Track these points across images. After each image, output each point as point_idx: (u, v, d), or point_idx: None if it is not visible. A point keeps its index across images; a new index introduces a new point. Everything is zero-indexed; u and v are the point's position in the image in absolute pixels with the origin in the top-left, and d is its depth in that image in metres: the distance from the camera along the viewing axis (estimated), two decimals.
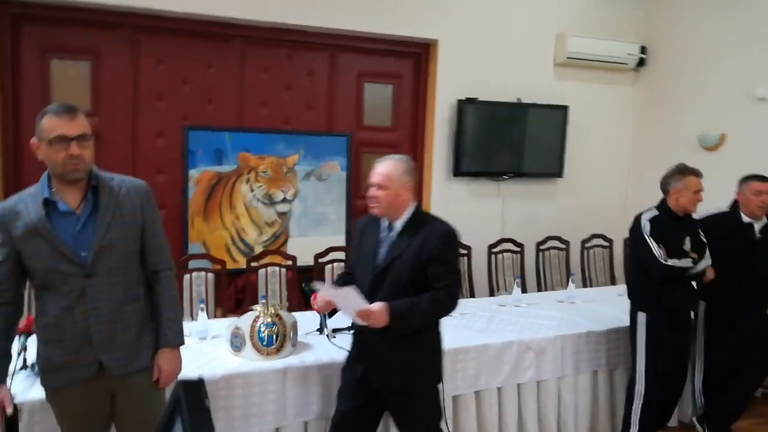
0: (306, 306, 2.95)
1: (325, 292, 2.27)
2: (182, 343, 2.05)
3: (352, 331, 2.44)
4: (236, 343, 2.55)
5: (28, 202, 1.83)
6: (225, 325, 2.72)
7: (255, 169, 4.26)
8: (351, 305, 2.17)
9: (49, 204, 1.82)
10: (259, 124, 4.29)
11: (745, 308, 3.12)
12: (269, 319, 2.54)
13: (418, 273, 2.20)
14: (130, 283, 1.93)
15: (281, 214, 4.37)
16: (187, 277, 3.48)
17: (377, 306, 2.12)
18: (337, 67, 4.49)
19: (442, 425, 2.40)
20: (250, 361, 2.50)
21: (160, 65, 4.04)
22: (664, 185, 2.98)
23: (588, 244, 4.74)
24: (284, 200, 4.37)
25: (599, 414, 3.25)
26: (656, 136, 5.05)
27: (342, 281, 2.42)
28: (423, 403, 2.32)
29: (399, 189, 2.23)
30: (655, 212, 2.98)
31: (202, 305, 2.86)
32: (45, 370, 1.90)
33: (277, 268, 3.80)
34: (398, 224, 2.28)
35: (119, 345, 1.90)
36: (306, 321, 2.89)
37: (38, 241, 1.80)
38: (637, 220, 3.00)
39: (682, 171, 2.95)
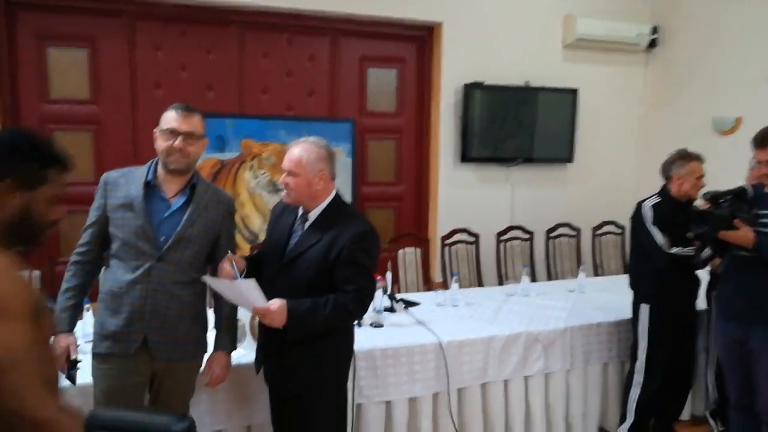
0: None
1: (216, 285, 2.01)
2: (235, 348, 2.21)
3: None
4: (237, 336, 2.48)
5: (131, 178, 2.01)
6: None
7: (258, 156, 4.19)
8: (248, 299, 1.94)
9: (149, 187, 2.00)
10: (261, 110, 4.20)
11: None
12: None
13: (323, 272, 1.98)
14: (191, 280, 2.04)
15: None
16: None
17: (275, 304, 1.89)
18: (339, 51, 4.38)
19: None
20: (250, 353, 2.43)
21: (159, 52, 3.95)
22: (666, 171, 2.88)
23: (599, 231, 4.63)
24: None
25: (609, 407, 3.18)
26: (669, 119, 4.90)
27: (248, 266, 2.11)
28: (320, 412, 2.09)
29: (311, 177, 2.00)
30: (657, 199, 2.89)
31: None
32: (97, 333, 2.00)
33: None
34: (312, 216, 2.06)
35: (167, 331, 1.99)
36: None
37: (129, 215, 1.96)
38: (639, 207, 2.91)
39: (685, 156, 2.85)
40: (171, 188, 2.02)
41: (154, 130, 2.00)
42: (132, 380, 1.98)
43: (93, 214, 2.03)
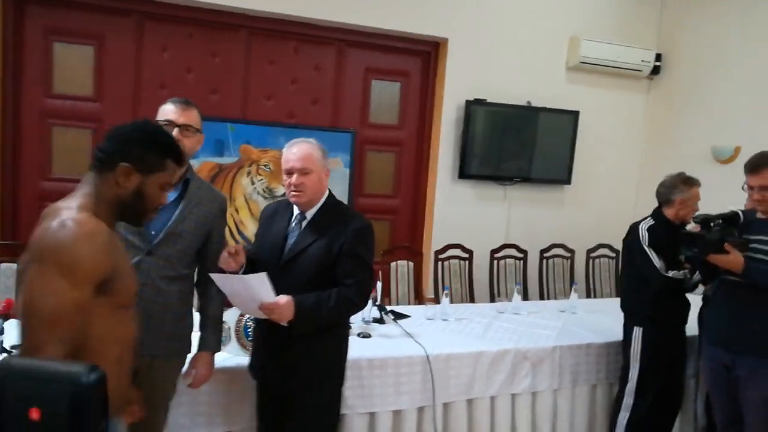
0: None
1: (223, 281, 2.00)
2: (219, 350, 2.19)
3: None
4: (222, 337, 2.47)
5: None
6: None
7: (257, 162, 4.20)
8: (256, 295, 1.95)
9: None
10: (263, 116, 4.22)
11: None
12: None
13: (326, 268, 2.03)
14: (179, 276, 2.01)
15: None
16: None
17: (283, 299, 1.93)
18: (345, 62, 4.41)
19: None
20: (234, 357, 2.42)
21: (165, 53, 3.98)
22: (667, 195, 2.88)
23: (594, 254, 4.63)
24: (284, 195, 4.29)
25: (596, 429, 3.15)
26: (669, 146, 4.92)
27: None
28: (317, 408, 2.11)
29: (321, 174, 2.06)
30: (652, 222, 2.89)
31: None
32: None
33: None
34: (309, 214, 2.09)
35: (153, 326, 1.93)
36: None
37: None
38: (635, 229, 2.91)
39: (687, 181, 2.86)
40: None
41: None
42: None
43: None
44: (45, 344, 1.21)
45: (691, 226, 2.63)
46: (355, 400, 2.57)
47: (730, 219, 2.56)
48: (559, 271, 4.55)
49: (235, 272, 2.03)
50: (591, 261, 4.60)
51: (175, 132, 1.94)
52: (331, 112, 4.42)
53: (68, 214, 1.31)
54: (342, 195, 4.42)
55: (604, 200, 5.04)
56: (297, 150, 2.05)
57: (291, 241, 2.09)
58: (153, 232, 1.94)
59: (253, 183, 4.21)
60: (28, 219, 3.76)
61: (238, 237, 4.21)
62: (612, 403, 3.07)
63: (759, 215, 2.52)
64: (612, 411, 3.02)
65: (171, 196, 1.98)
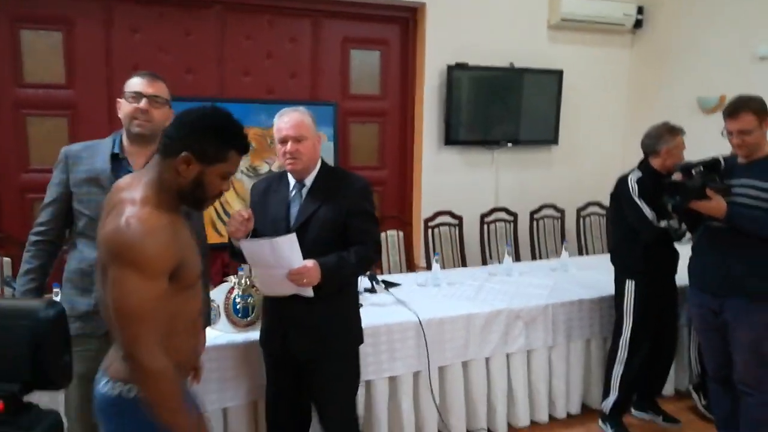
0: None
1: (251, 246, 2.00)
2: (209, 325, 2.20)
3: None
4: (211, 315, 2.45)
5: (94, 151, 1.94)
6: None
7: None
8: (284, 260, 1.95)
9: (115, 160, 1.92)
10: (241, 93, 4.14)
11: None
12: (244, 291, 2.45)
13: (336, 230, 2.08)
14: None
15: None
16: None
17: (311, 263, 1.97)
18: (321, 33, 4.32)
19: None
20: (225, 334, 2.41)
21: (136, 34, 3.88)
22: (652, 146, 2.85)
23: (584, 212, 4.62)
24: (269, 172, 4.25)
25: (592, 382, 3.17)
26: (654, 99, 4.88)
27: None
28: (343, 369, 2.18)
29: (314, 139, 2.10)
30: (639, 173, 2.86)
31: None
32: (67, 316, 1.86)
33: None
34: (308, 181, 2.12)
35: None
36: None
37: (95, 190, 1.89)
38: (624, 181, 2.88)
39: (672, 131, 2.83)
40: (138, 161, 1.92)
41: (118, 99, 1.95)
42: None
43: (53, 191, 1.95)
44: (138, 336, 1.33)
45: (675, 175, 2.61)
46: None
47: (711, 165, 2.54)
48: (550, 231, 4.55)
49: (238, 240, 2.04)
50: (581, 219, 4.59)
51: (143, 103, 1.90)
52: (310, 85, 4.34)
53: (131, 210, 1.38)
54: None
55: (591, 158, 5.02)
56: (288, 118, 2.07)
57: (295, 210, 2.12)
58: None
59: None
60: (10, 212, 3.71)
61: (225, 217, 4.17)
62: (606, 357, 3.08)
63: (740, 160, 2.51)
64: (607, 365, 3.03)
65: None
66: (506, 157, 4.78)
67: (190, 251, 1.48)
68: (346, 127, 4.47)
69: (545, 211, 4.56)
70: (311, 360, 2.13)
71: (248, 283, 2.48)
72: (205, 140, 1.42)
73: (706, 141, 2.91)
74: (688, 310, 3.22)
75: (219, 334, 2.42)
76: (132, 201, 1.40)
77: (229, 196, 4.16)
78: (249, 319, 2.43)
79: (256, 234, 2.10)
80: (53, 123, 3.77)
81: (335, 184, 2.12)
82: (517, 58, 4.64)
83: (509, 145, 4.70)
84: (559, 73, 4.75)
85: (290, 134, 2.04)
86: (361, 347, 2.55)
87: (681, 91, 4.61)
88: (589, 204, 4.64)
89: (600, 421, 3.04)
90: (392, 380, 2.70)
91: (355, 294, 2.28)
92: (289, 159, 2.06)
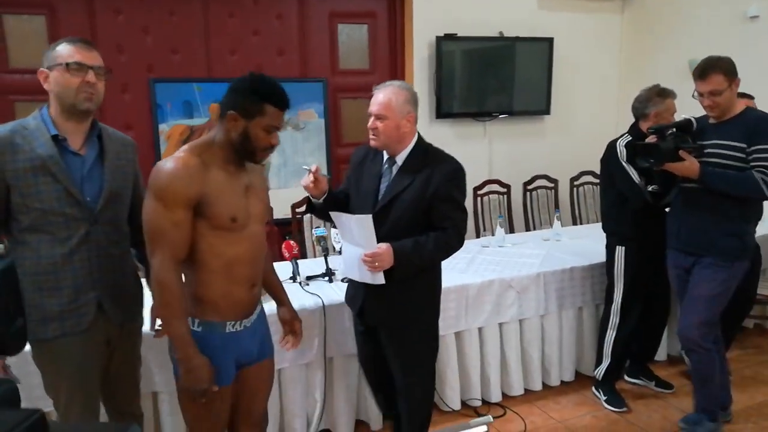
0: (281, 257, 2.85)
1: (339, 218, 2.10)
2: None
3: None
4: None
5: (28, 135, 1.70)
6: None
7: None
8: (360, 238, 2.03)
9: (56, 142, 1.72)
10: (229, 72, 4.10)
11: None
12: None
13: (421, 212, 2.07)
14: (124, 234, 1.91)
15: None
16: None
17: (383, 247, 1.99)
18: (307, 8, 4.27)
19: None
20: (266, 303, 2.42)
21: (119, 16, 3.84)
22: (643, 109, 2.83)
23: (577, 182, 4.61)
24: None
25: (584, 350, 3.20)
26: (646, 65, 4.84)
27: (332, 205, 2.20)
28: (420, 341, 2.23)
29: (400, 120, 2.06)
30: (629, 137, 2.85)
31: None
32: (35, 320, 1.73)
33: None
34: (399, 159, 2.12)
35: (120, 292, 1.88)
36: (280, 269, 2.81)
37: (44, 179, 1.70)
38: (612, 147, 2.87)
39: (662, 93, 2.81)
40: (76, 140, 1.77)
41: (40, 70, 1.74)
42: (95, 353, 1.84)
43: None
44: (153, 252, 1.63)
45: (649, 138, 2.60)
46: (343, 344, 2.59)
47: (684, 127, 2.56)
48: (543, 202, 4.54)
49: (317, 198, 2.16)
50: (575, 189, 4.59)
51: (91, 75, 1.72)
52: (298, 62, 4.31)
53: (175, 154, 1.66)
54: (319, 147, 4.37)
55: (584, 127, 4.99)
56: (378, 95, 2.09)
57: (383, 186, 2.13)
58: (89, 198, 1.77)
59: None
60: None
61: None
62: (599, 323, 3.10)
63: (711, 120, 2.52)
64: (599, 331, 3.06)
65: (91, 153, 1.80)
66: (498, 129, 4.76)
67: (220, 195, 1.66)
68: (336, 103, 4.45)
69: (538, 182, 4.56)
70: (385, 328, 2.21)
71: None
72: (244, 98, 1.64)
73: (696, 103, 2.88)
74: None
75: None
76: (181, 150, 1.69)
77: None
78: None
79: (348, 199, 2.22)
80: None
81: (425, 166, 2.08)
82: (507, 27, 4.58)
83: (501, 116, 4.67)
84: (549, 41, 4.70)
85: (373, 111, 2.08)
86: (350, 321, 2.58)
87: (673, 56, 4.56)
88: (582, 173, 4.62)
89: (593, 388, 3.08)
90: None
91: (436, 271, 2.24)
92: (371, 134, 2.11)
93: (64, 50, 1.72)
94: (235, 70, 4.12)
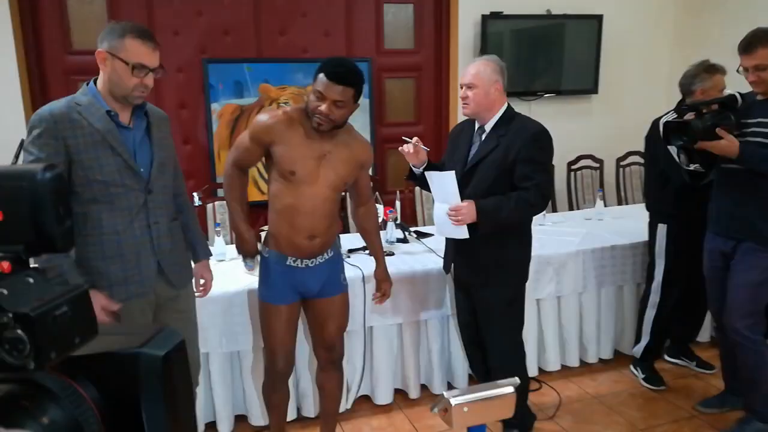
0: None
1: (431, 177, 2.30)
2: (211, 255, 2.28)
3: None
4: (249, 263, 2.60)
5: (83, 111, 1.77)
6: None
7: (276, 101, 4.25)
8: (445, 193, 2.23)
9: (109, 117, 1.81)
10: (278, 53, 4.23)
11: None
12: None
13: (504, 173, 2.21)
14: (172, 202, 2.03)
15: None
16: (210, 206, 3.56)
17: (466, 202, 2.18)
18: None
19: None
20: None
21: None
22: (689, 85, 2.78)
23: (623, 162, 4.54)
24: None
25: (625, 328, 3.20)
26: (699, 44, 4.67)
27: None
28: (505, 302, 2.36)
29: (488, 88, 2.24)
30: (674, 115, 2.80)
31: (218, 228, 2.93)
32: (101, 287, 1.83)
33: None
34: (488, 126, 2.30)
35: (176, 258, 2.01)
36: None
37: (104, 153, 1.78)
38: (656, 125, 2.83)
39: (709, 69, 2.75)
40: (125, 115, 1.86)
41: (100, 50, 1.78)
42: (146, 321, 1.95)
43: (48, 162, 1.75)
44: (229, 154, 2.18)
45: (687, 115, 2.49)
46: (381, 313, 2.69)
47: (727, 103, 2.43)
48: (588, 183, 4.50)
49: (418, 167, 2.36)
50: (621, 170, 4.52)
51: (149, 79, 1.80)
52: (344, 42, 4.38)
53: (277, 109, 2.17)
54: (363, 126, 4.45)
55: (633, 106, 4.88)
56: (469, 67, 2.30)
57: (473, 151, 2.33)
58: (142, 170, 1.87)
59: None
60: None
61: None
62: (639, 301, 3.09)
63: (759, 97, 2.39)
64: (639, 309, 3.05)
65: (140, 126, 1.89)
66: (544, 108, 4.71)
67: (289, 145, 2.00)
68: (381, 82, 4.51)
69: (583, 162, 4.51)
70: (474, 286, 2.38)
71: None
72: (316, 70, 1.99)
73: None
74: None
75: (257, 279, 2.57)
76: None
77: None
78: None
79: (443, 169, 2.35)
80: None
81: (510, 130, 2.25)
82: (555, 4, 4.52)
83: (547, 95, 4.63)
84: (598, 18, 4.60)
85: (464, 81, 2.28)
86: (393, 293, 2.67)
87: (727, 32, 4.38)
88: (629, 154, 4.55)
89: (631, 366, 3.09)
90: (421, 324, 2.81)
91: (523, 232, 2.38)
92: (462, 103, 2.31)
93: (133, 47, 1.76)
94: (284, 50, 4.24)
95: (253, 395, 2.62)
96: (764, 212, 2.36)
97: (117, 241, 1.84)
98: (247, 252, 2.25)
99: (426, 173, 2.33)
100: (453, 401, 1.47)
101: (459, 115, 4.55)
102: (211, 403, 2.61)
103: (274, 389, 2.28)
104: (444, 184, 2.24)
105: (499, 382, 1.54)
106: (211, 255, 2.24)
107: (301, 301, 2.21)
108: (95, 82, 1.85)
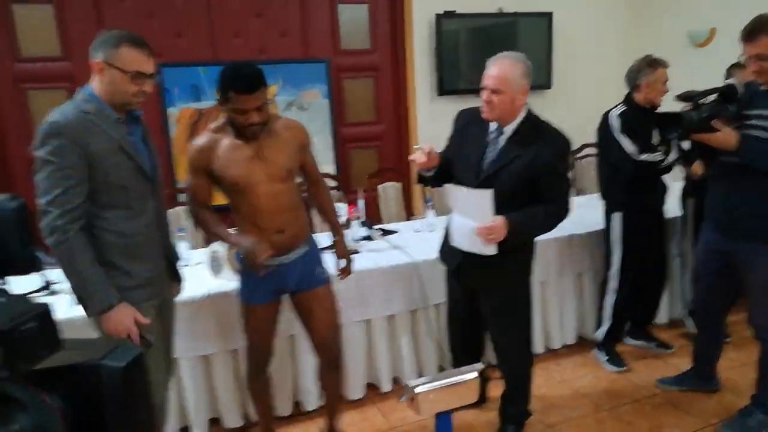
0: None
1: (454, 192, 2.17)
2: (179, 258, 2.27)
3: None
4: (214, 266, 2.59)
5: (94, 119, 1.76)
6: (206, 252, 2.76)
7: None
8: (476, 210, 2.08)
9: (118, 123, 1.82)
10: (234, 55, 4.19)
11: None
12: None
13: (527, 184, 2.11)
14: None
15: None
16: (171, 211, 3.49)
17: (500, 219, 2.05)
18: None
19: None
20: (229, 282, 2.54)
21: (125, 2, 3.93)
22: (633, 79, 2.90)
23: (579, 155, 4.67)
24: None
25: (586, 314, 3.30)
26: (647, 36, 4.87)
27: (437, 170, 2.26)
28: (517, 302, 2.34)
29: (516, 94, 2.08)
30: (623, 107, 2.92)
31: (181, 233, 2.88)
32: (130, 287, 1.84)
33: None
34: (509, 129, 2.15)
35: (176, 257, 2.14)
36: None
37: (121, 158, 1.80)
38: (606, 117, 2.95)
39: (653, 64, 2.86)
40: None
41: (96, 61, 1.77)
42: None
43: (74, 171, 1.71)
44: (190, 207, 2.14)
45: (684, 106, 2.38)
46: (350, 310, 2.70)
47: (724, 93, 2.29)
48: None
49: (428, 172, 2.22)
50: (576, 162, 4.65)
51: (148, 86, 1.80)
52: (301, 43, 4.38)
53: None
54: (323, 126, 4.46)
55: (586, 100, 5.01)
56: (494, 68, 2.10)
57: (491, 155, 2.16)
58: (149, 173, 1.90)
59: None
60: (21, 182, 3.83)
61: None
62: (598, 289, 3.19)
63: (762, 87, 2.24)
64: (599, 295, 3.15)
65: (137, 131, 1.90)
66: None
67: (228, 163, 2.00)
68: (339, 83, 4.52)
69: None
70: (484, 288, 2.32)
71: None
72: (218, 90, 1.96)
73: (698, 75, 2.94)
74: (680, 242, 3.32)
75: (223, 282, 2.55)
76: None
77: None
78: None
79: (448, 163, 2.23)
80: (54, 95, 3.82)
81: (534, 138, 2.11)
82: (506, 3, 4.62)
83: None
84: (548, 16, 4.73)
85: (489, 85, 2.09)
86: (361, 289, 2.70)
87: (673, 26, 4.59)
88: (584, 146, 4.68)
89: (595, 350, 3.18)
90: (391, 319, 2.84)
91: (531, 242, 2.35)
92: (485, 107, 2.12)
93: (129, 55, 1.75)
94: (239, 52, 4.21)
95: (226, 397, 2.60)
96: (759, 209, 2.25)
97: (139, 243, 1.88)
98: (248, 247, 2.02)
99: (450, 189, 2.18)
100: (418, 390, 1.51)
101: (418, 113, 4.62)
102: (182, 409, 2.58)
103: (255, 378, 2.30)
104: (475, 201, 2.08)
105: (462, 368, 1.58)
106: (179, 258, 2.23)
107: (290, 296, 2.24)
108: (93, 89, 1.81)
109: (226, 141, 2.01)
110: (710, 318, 2.68)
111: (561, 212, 2.18)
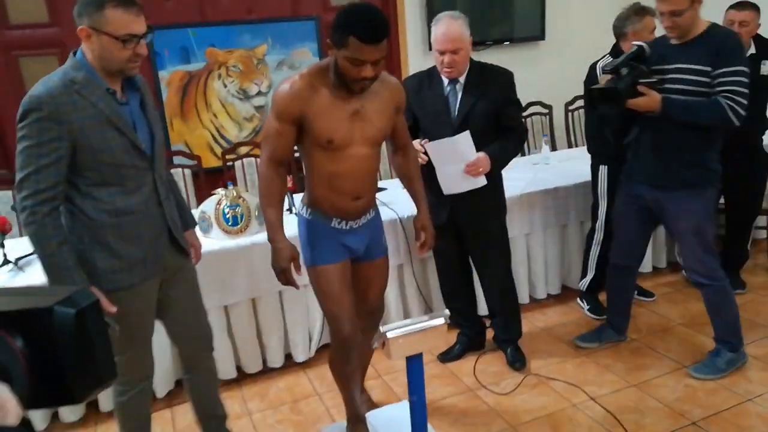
0: None
1: (436, 146, 2.38)
2: (196, 223, 2.24)
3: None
4: (204, 226, 2.67)
5: (81, 90, 1.64)
6: (196, 212, 2.84)
7: (225, 64, 4.23)
8: (462, 154, 2.35)
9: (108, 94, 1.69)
10: (222, 16, 4.18)
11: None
12: (232, 201, 2.65)
13: (491, 119, 2.42)
14: (167, 176, 1.98)
15: (258, 108, 4.38)
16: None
17: (482, 155, 2.37)
18: None
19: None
20: (218, 241, 2.64)
21: None
22: (621, 27, 2.87)
23: (572, 107, 4.65)
24: (259, 93, 4.36)
25: (571, 265, 3.37)
26: None
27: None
28: (497, 234, 2.63)
29: (468, 46, 2.35)
30: (610, 59, 2.90)
31: None
32: (118, 269, 1.77)
33: (253, 159, 3.88)
34: (462, 78, 2.41)
35: (179, 231, 1.95)
36: None
37: (111, 134, 1.67)
38: (592, 69, 2.94)
39: (639, 12, 2.83)
40: (117, 89, 1.74)
41: (82, 29, 1.64)
42: (155, 301, 1.92)
43: (54, 147, 1.62)
44: (262, 150, 1.96)
45: (601, 79, 2.46)
46: None
47: (636, 56, 2.37)
48: (538, 129, 4.62)
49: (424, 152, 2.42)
50: (569, 114, 4.64)
51: (141, 47, 1.67)
52: (289, 0, 4.35)
53: (292, 75, 1.88)
54: None
55: (580, 51, 4.90)
56: (445, 30, 2.30)
57: (454, 104, 2.44)
58: (144, 146, 1.77)
59: (225, 86, 4.26)
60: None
61: (221, 141, 4.33)
62: (584, 240, 3.25)
63: (673, 41, 2.34)
64: (585, 247, 3.21)
65: (134, 101, 1.79)
66: (492, 57, 4.71)
67: (320, 115, 1.83)
68: None
69: (532, 109, 4.61)
70: (473, 228, 2.57)
71: (235, 194, 2.67)
72: (334, 29, 1.75)
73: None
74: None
75: (213, 241, 2.65)
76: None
77: (224, 119, 4.31)
78: (239, 226, 2.65)
79: (417, 124, 2.48)
80: (45, 62, 3.85)
81: (485, 79, 2.41)
82: None
83: (494, 44, 4.69)
84: None
85: (448, 48, 2.30)
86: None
87: None
88: (577, 98, 4.65)
89: (578, 299, 3.27)
90: None
91: (499, 176, 2.60)
92: (446, 68, 2.36)
93: (115, 18, 1.61)
94: (228, 12, 4.19)
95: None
96: (685, 160, 2.37)
97: (135, 221, 1.78)
98: (282, 268, 1.96)
99: (432, 145, 2.39)
100: (389, 335, 1.60)
101: (410, 68, 4.60)
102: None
103: (346, 360, 2.10)
104: (458, 146, 2.34)
105: (432, 314, 1.67)
106: (196, 224, 2.20)
107: (351, 261, 2.09)
108: (83, 53, 1.70)
109: (325, 91, 1.83)
110: (625, 269, 2.76)
111: (524, 136, 2.61)
